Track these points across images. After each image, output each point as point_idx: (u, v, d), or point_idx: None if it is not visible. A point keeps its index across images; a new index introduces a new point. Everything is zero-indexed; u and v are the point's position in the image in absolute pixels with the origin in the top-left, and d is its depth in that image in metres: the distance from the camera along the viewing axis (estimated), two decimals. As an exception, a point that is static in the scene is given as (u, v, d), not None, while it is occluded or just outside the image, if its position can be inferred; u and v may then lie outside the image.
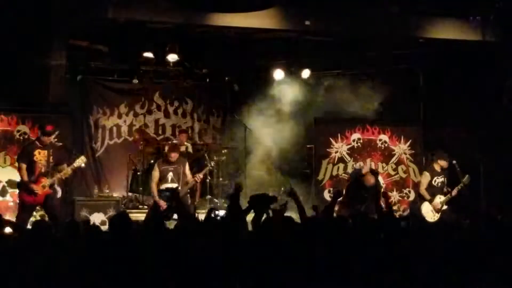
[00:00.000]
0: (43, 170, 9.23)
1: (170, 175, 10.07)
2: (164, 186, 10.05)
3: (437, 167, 10.62)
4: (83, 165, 9.82)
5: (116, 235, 5.30)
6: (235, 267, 4.72)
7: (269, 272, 4.60)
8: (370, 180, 10.22)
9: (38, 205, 9.39)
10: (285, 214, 6.47)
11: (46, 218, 9.28)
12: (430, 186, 10.60)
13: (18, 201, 9.47)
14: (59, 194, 9.63)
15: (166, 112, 13.96)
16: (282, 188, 11.64)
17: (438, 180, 10.61)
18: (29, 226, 7.92)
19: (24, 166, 9.24)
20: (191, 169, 10.46)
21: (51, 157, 9.29)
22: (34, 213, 9.58)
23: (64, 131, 10.91)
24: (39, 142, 9.31)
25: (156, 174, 10.13)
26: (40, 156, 9.24)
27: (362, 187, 10.21)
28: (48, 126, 9.39)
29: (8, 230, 5.86)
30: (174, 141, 12.50)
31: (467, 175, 10.41)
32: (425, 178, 10.70)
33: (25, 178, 9.19)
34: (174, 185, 9.94)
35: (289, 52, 12.81)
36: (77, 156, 9.83)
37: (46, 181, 9.21)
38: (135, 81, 13.26)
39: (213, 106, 14.32)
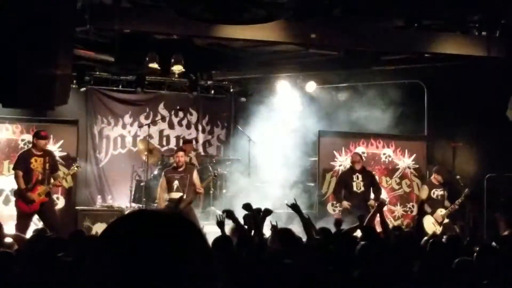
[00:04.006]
0: (40, 178, 9.23)
1: (175, 183, 9.95)
2: (169, 196, 9.97)
3: (434, 181, 11.03)
4: (76, 170, 9.87)
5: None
6: None
7: None
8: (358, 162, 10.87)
9: (34, 213, 9.34)
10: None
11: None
12: (429, 199, 10.88)
13: (15, 210, 9.46)
14: (62, 204, 9.61)
15: (170, 123, 13.97)
16: (286, 202, 11.58)
17: (437, 192, 10.93)
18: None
19: (20, 173, 9.23)
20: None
21: (47, 164, 9.30)
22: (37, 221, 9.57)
23: (69, 141, 10.96)
24: (35, 149, 9.32)
25: (163, 181, 10.08)
26: (37, 163, 9.24)
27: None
28: (42, 131, 9.46)
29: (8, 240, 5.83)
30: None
31: (467, 189, 10.60)
32: (424, 191, 11.08)
33: (22, 185, 9.18)
34: (179, 195, 9.83)
35: (294, 65, 12.84)
36: (73, 165, 9.90)
37: (42, 189, 9.20)
38: (140, 91, 13.30)
39: (218, 118, 14.32)
